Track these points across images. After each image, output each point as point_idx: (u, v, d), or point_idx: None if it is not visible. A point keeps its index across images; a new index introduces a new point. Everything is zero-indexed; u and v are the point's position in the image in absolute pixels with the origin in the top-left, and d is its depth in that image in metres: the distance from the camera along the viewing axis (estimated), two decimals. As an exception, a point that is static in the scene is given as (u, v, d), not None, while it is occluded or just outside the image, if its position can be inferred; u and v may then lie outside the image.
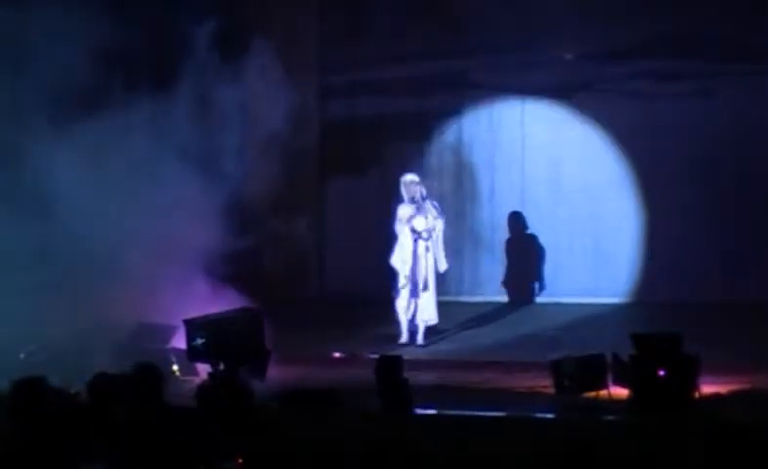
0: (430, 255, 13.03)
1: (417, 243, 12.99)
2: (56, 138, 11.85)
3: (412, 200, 13.05)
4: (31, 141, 11.94)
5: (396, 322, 13.11)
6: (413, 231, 12.98)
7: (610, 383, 10.12)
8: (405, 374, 8.69)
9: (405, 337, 12.99)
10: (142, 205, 12.18)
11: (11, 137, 11.99)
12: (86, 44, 11.94)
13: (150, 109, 12.31)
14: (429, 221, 13.01)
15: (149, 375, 7.73)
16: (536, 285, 15.73)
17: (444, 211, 13.37)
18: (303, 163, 15.99)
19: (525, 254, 15.74)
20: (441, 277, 13.29)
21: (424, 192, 13.14)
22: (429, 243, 13.00)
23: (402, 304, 13.04)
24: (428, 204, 13.12)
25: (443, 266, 13.16)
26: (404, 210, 13.08)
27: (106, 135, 12.11)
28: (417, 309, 13.04)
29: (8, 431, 7.32)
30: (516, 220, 15.79)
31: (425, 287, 12.99)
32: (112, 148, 12.21)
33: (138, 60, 13.33)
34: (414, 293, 12.99)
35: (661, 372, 9.61)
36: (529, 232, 15.74)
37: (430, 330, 13.16)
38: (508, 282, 15.75)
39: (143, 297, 11.82)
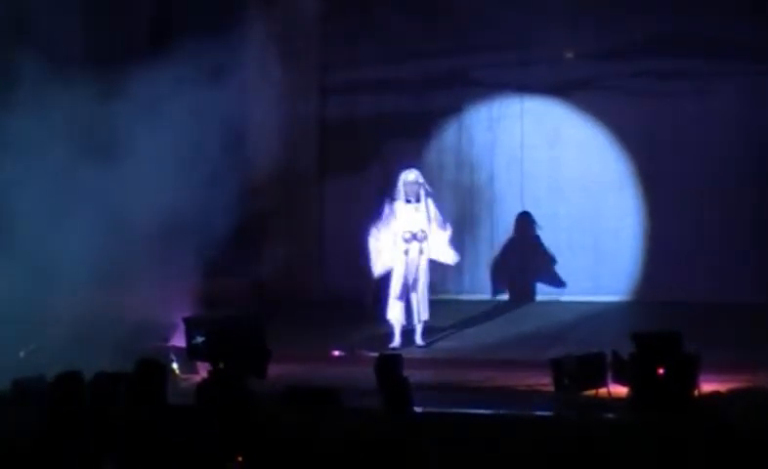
0: (424, 257, 12.81)
1: (411, 245, 12.79)
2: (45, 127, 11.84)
3: (408, 201, 12.79)
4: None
5: (389, 327, 12.98)
6: (409, 232, 12.79)
7: (609, 381, 10.12)
8: (405, 373, 8.69)
9: (398, 341, 12.79)
10: (140, 204, 12.18)
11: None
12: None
13: (148, 109, 12.30)
14: (425, 221, 12.80)
15: (152, 371, 7.74)
16: (537, 284, 15.73)
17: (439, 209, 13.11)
18: (303, 162, 16.00)
19: (525, 252, 15.74)
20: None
21: (428, 188, 12.88)
22: (424, 245, 12.81)
23: (394, 313, 12.84)
24: (425, 203, 12.87)
25: (451, 258, 12.96)
26: (399, 210, 12.83)
27: (106, 126, 12.11)
28: (413, 312, 12.88)
29: (9, 431, 7.33)
30: (516, 218, 15.79)
31: (414, 289, 12.80)
32: (109, 140, 12.20)
33: (137, 54, 13.32)
34: (404, 297, 12.80)
35: (661, 371, 9.62)
36: (529, 230, 15.73)
37: (426, 329, 13.04)
38: (508, 281, 15.75)
39: (141, 296, 11.83)
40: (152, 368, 7.80)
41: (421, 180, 12.89)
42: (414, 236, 12.78)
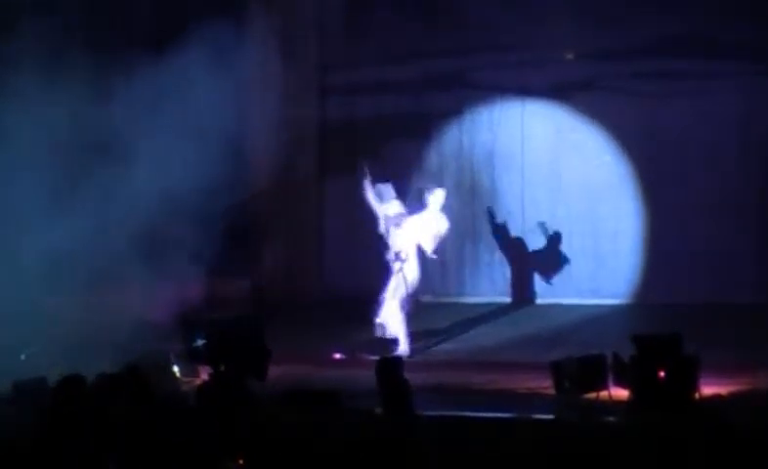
0: (399, 277, 12.66)
1: (393, 265, 12.72)
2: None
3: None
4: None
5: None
6: (393, 252, 12.67)
7: (610, 384, 10.12)
8: (406, 375, 8.69)
9: (407, 349, 12.53)
10: (139, 204, 12.18)
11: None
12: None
13: (147, 109, 12.30)
14: (405, 243, 12.70)
15: (152, 372, 7.76)
16: (537, 286, 15.71)
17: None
18: (303, 163, 16.00)
19: (525, 255, 15.73)
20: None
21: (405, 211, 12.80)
22: (405, 266, 12.63)
23: (395, 317, 12.76)
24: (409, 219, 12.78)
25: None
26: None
27: (104, 125, 12.11)
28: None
29: (9, 431, 7.33)
30: (516, 220, 15.78)
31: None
32: (108, 140, 12.20)
33: (136, 54, 13.33)
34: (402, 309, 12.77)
35: (662, 373, 9.61)
36: (529, 232, 15.72)
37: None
38: (508, 283, 15.74)
39: (141, 298, 11.83)
40: (152, 369, 7.80)
41: (403, 211, 12.77)
42: (397, 256, 12.74)
